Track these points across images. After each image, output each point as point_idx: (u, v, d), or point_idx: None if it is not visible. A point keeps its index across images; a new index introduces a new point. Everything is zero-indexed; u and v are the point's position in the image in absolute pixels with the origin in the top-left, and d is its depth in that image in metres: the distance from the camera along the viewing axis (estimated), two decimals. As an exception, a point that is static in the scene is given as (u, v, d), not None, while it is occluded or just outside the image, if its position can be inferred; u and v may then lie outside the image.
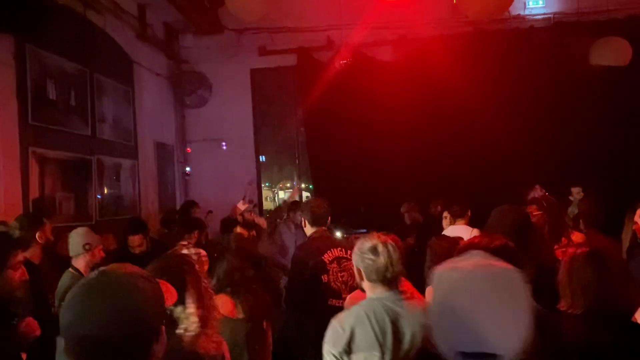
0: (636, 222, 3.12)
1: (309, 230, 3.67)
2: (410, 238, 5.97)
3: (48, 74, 4.77)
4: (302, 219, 3.76)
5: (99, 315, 1.12)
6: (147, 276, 1.25)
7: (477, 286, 1.10)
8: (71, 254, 3.59)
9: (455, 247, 3.06)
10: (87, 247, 3.54)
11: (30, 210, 4.37)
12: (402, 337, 2.19)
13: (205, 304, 2.02)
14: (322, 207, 3.70)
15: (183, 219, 5.42)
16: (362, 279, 2.34)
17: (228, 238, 5.09)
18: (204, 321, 1.97)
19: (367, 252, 2.30)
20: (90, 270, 3.62)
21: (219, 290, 2.65)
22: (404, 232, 6.34)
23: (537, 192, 5.45)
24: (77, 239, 3.59)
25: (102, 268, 1.22)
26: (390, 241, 2.32)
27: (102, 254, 3.65)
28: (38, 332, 2.62)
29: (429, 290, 3.17)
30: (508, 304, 1.09)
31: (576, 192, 6.10)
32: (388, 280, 2.26)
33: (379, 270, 2.25)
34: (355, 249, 2.38)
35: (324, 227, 3.64)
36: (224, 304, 2.63)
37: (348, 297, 2.93)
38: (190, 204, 6.20)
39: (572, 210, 5.59)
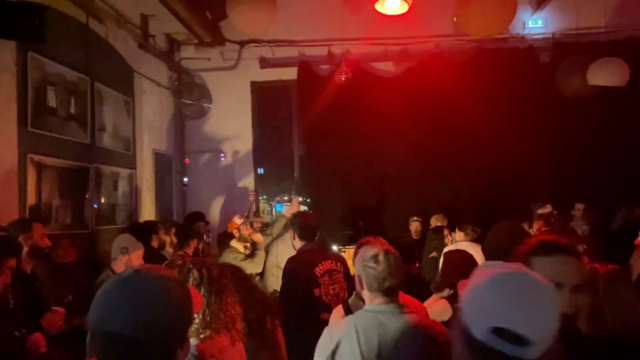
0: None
1: (297, 243, 3.63)
2: (415, 266, 5.99)
3: (49, 81, 4.78)
4: (292, 232, 3.71)
5: (130, 313, 1.10)
6: (179, 280, 1.25)
7: (519, 278, 1.15)
8: (112, 257, 3.86)
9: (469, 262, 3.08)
10: (123, 250, 3.79)
11: (27, 217, 4.34)
12: (386, 354, 2.11)
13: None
14: (312, 221, 3.67)
15: (180, 230, 5.46)
16: (362, 287, 2.29)
17: (223, 253, 5.09)
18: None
19: (369, 260, 2.25)
20: None
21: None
22: (410, 248, 6.29)
23: (547, 210, 5.57)
24: (117, 242, 3.89)
25: (136, 267, 1.22)
26: (393, 250, 2.28)
27: (141, 260, 3.81)
28: (44, 350, 2.59)
29: (432, 300, 3.17)
30: (544, 300, 1.13)
31: (578, 209, 6.15)
32: (387, 291, 2.22)
33: (378, 280, 2.21)
34: (358, 257, 2.34)
35: (313, 241, 3.60)
36: None
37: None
38: (195, 217, 6.25)
39: (576, 224, 5.66)
